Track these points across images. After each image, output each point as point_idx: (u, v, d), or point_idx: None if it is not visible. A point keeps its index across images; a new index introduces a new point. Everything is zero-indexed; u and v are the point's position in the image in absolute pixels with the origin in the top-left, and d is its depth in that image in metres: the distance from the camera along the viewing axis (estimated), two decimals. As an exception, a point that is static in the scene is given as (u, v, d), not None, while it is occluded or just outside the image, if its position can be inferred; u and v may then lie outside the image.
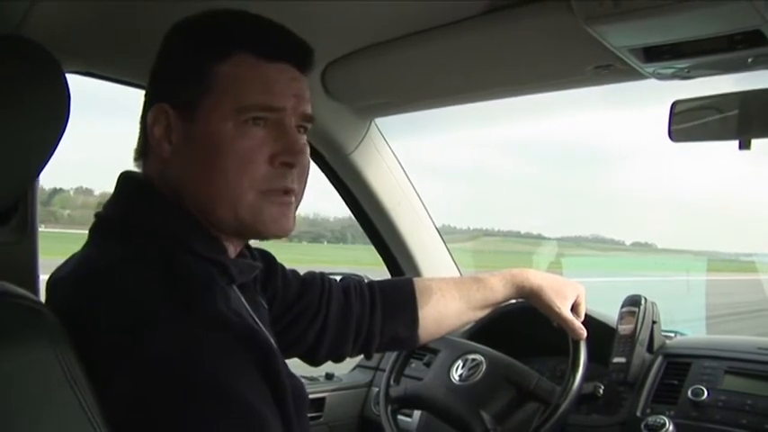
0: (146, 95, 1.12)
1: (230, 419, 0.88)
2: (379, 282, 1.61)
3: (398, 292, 1.55)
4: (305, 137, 1.12)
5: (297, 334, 1.42)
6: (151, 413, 0.87)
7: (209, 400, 0.88)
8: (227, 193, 1.05)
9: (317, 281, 1.48)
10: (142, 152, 1.12)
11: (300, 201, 1.14)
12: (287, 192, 1.09)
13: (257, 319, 1.09)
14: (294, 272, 1.47)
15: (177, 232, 1.04)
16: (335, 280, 1.52)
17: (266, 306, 1.28)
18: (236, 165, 1.04)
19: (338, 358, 1.52)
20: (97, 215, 1.10)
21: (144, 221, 1.06)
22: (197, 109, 1.05)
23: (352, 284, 1.52)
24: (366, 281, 1.59)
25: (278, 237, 1.11)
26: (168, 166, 1.07)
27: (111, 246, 1.04)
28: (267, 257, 1.40)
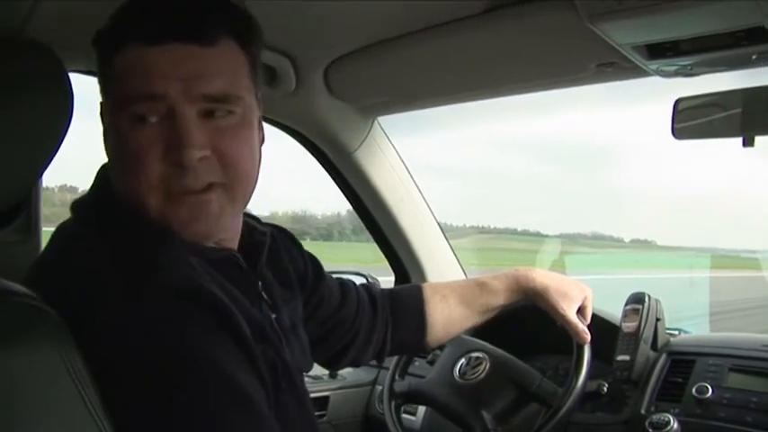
0: None
1: (193, 379, 0.88)
2: (389, 290, 1.61)
3: (407, 303, 1.56)
4: (229, 120, 1.01)
5: (328, 344, 1.43)
6: (125, 393, 0.88)
7: (169, 366, 0.88)
8: (132, 195, 0.99)
9: (353, 294, 1.48)
10: None
11: (237, 193, 1.04)
12: (192, 192, 0.99)
13: (246, 304, 1.03)
14: (333, 279, 1.47)
15: (122, 220, 1.01)
16: (364, 291, 1.52)
17: (305, 307, 1.30)
18: (131, 165, 0.98)
19: (356, 365, 1.55)
20: (71, 205, 1.09)
21: (99, 209, 1.04)
22: (108, 105, 1.02)
23: (377, 296, 1.52)
24: (372, 279, 1.58)
25: (196, 239, 1.02)
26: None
27: (69, 232, 1.05)
28: (315, 262, 1.40)
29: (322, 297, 1.39)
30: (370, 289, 1.54)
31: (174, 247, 0.98)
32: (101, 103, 1.06)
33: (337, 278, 1.50)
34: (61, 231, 1.06)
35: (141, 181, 0.97)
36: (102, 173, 1.08)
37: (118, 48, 0.98)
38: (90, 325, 0.90)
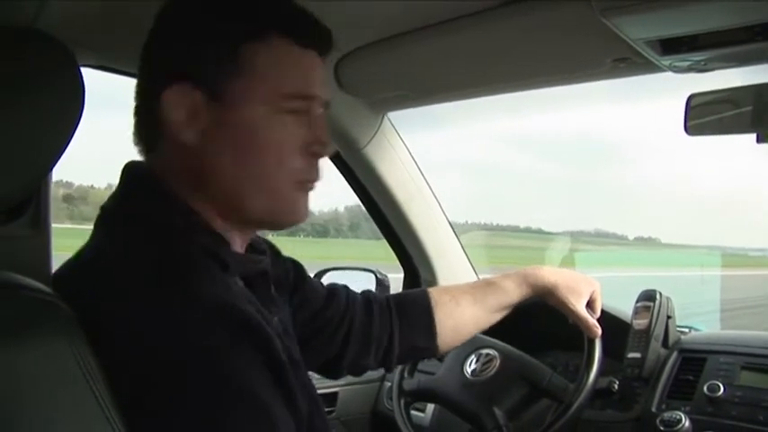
0: (146, 75, 1.07)
1: (220, 398, 0.88)
2: (394, 295, 1.60)
3: (414, 305, 1.54)
4: None
5: (320, 345, 1.41)
6: (145, 398, 0.88)
7: (196, 381, 0.88)
8: (264, 182, 1.03)
9: (342, 293, 1.47)
10: (146, 139, 1.07)
11: None
12: (315, 183, 1.09)
13: (265, 313, 1.05)
14: (320, 282, 1.47)
15: (175, 222, 1.01)
16: (358, 293, 1.51)
17: (289, 308, 1.28)
18: (273, 154, 1.02)
19: (359, 371, 1.51)
20: (101, 207, 1.08)
21: (142, 211, 1.03)
22: (228, 92, 1.00)
23: (373, 298, 1.51)
24: (381, 275, 1.57)
25: (296, 224, 1.12)
26: (191, 152, 1.02)
27: (108, 235, 1.04)
28: (297, 265, 1.40)
29: (304, 298, 1.38)
30: (367, 292, 1.53)
31: (221, 263, 1.01)
32: (179, 87, 1.01)
33: (330, 283, 1.49)
34: (106, 235, 1.05)
35: (283, 169, 1.04)
36: (135, 172, 1.08)
37: (260, 37, 1.01)
38: (125, 333, 0.90)
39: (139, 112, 1.07)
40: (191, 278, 0.94)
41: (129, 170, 1.09)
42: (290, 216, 1.08)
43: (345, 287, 1.51)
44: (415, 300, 1.56)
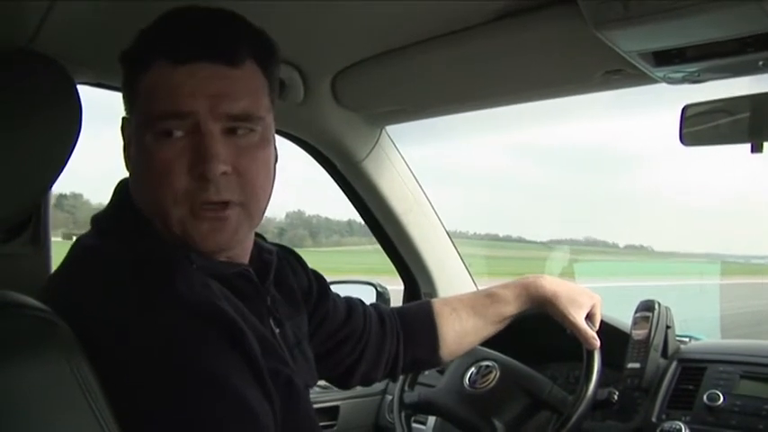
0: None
1: (206, 397, 0.90)
2: (398, 308, 1.62)
3: (417, 318, 1.56)
4: (249, 138, 1.04)
5: (338, 358, 1.43)
6: (137, 405, 0.89)
7: (184, 383, 0.90)
8: (156, 208, 1.02)
9: (359, 309, 1.48)
10: None
11: (253, 210, 1.07)
12: (216, 204, 1.02)
13: (248, 315, 1.04)
14: (339, 296, 1.48)
15: (148, 230, 1.04)
16: (371, 308, 1.53)
17: (307, 320, 1.31)
18: (157, 179, 1.00)
19: (368, 383, 1.53)
20: (91, 218, 1.11)
21: (118, 222, 1.06)
22: (135, 121, 1.04)
23: (385, 314, 1.52)
24: (382, 288, 1.58)
25: (214, 251, 1.05)
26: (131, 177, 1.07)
27: (87, 244, 1.06)
28: (320, 278, 1.42)
29: (326, 312, 1.40)
30: (378, 307, 1.55)
31: (190, 263, 1.01)
32: (123, 119, 1.08)
33: (345, 297, 1.51)
34: (80, 243, 1.08)
35: (167, 194, 1.00)
36: (121, 188, 1.11)
37: (145, 66, 1.01)
38: (105, 335, 0.91)
39: None
40: (167, 276, 0.96)
41: (117, 185, 1.12)
42: (191, 242, 1.02)
43: (361, 302, 1.52)
44: (418, 313, 1.57)
